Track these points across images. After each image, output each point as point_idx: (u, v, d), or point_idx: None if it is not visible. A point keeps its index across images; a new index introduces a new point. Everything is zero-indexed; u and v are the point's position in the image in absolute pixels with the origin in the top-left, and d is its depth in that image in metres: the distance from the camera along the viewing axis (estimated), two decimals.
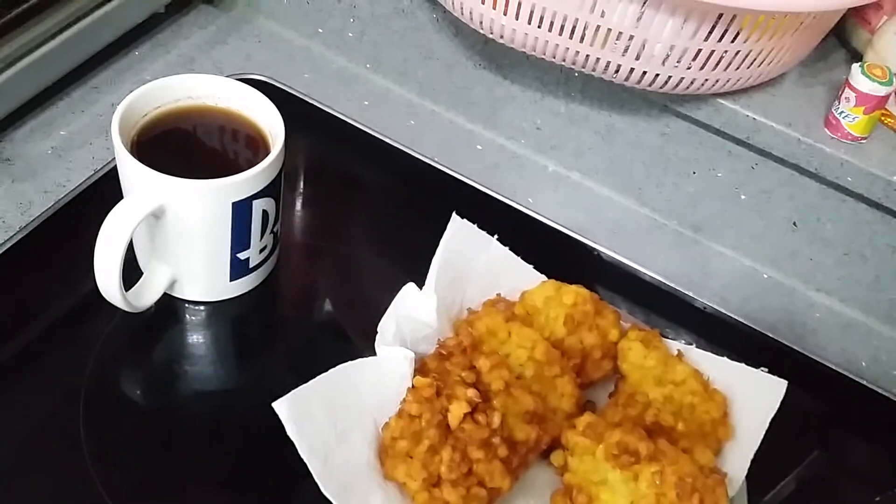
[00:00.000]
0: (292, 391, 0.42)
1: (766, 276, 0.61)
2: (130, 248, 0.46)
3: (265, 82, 0.64)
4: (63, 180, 0.57)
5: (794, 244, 0.60)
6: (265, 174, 0.48)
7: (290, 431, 0.41)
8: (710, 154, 0.59)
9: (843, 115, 0.54)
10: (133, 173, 0.47)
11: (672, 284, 0.58)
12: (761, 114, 0.55)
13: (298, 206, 0.60)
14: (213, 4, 0.70)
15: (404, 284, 0.48)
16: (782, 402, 0.47)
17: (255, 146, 0.51)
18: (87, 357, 0.49)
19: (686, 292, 0.58)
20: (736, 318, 0.57)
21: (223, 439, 0.48)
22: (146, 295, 0.50)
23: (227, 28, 0.69)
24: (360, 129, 0.63)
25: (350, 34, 0.68)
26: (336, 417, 0.42)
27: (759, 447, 0.46)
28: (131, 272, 0.48)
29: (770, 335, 0.56)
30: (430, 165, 0.62)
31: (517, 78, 0.63)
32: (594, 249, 0.59)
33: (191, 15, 0.69)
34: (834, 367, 0.55)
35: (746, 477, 0.46)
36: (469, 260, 0.50)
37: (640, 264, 0.58)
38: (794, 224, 0.59)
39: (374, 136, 0.63)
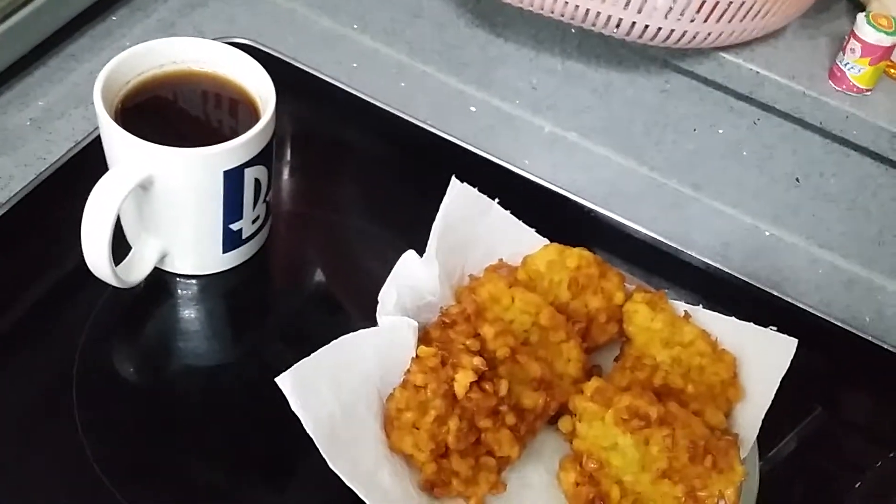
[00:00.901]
0: (295, 365, 0.40)
1: (767, 233, 0.60)
2: (118, 222, 0.44)
3: (249, 46, 0.61)
4: (43, 153, 0.55)
5: (797, 200, 0.59)
6: (257, 140, 0.46)
7: (295, 406, 0.39)
8: (712, 110, 0.58)
9: (849, 66, 0.53)
10: (118, 143, 0.45)
11: (673, 244, 0.57)
12: (764, 67, 0.54)
13: (289, 174, 0.59)
14: None
15: (400, 252, 0.46)
16: None
17: (244, 112, 0.49)
18: (77, 335, 0.48)
19: (688, 252, 0.57)
20: (739, 276, 0.56)
21: (219, 414, 0.47)
22: (136, 270, 0.48)
23: None
24: (350, 93, 0.61)
25: None
26: (340, 390, 0.41)
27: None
28: (119, 246, 0.47)
29: (774, 293, 0.55)
30: (422, 129, 0.60)
31: (511, 36, 0.61)
32: (592, 211, 0.58)
33: None
34: (838, 324, 0.55)
35: None
36: (470, 225, 0.49)
37: (639, 224, 0.58)
38: (797, 180, 0.58)
39: (364, 100, 0.61)
